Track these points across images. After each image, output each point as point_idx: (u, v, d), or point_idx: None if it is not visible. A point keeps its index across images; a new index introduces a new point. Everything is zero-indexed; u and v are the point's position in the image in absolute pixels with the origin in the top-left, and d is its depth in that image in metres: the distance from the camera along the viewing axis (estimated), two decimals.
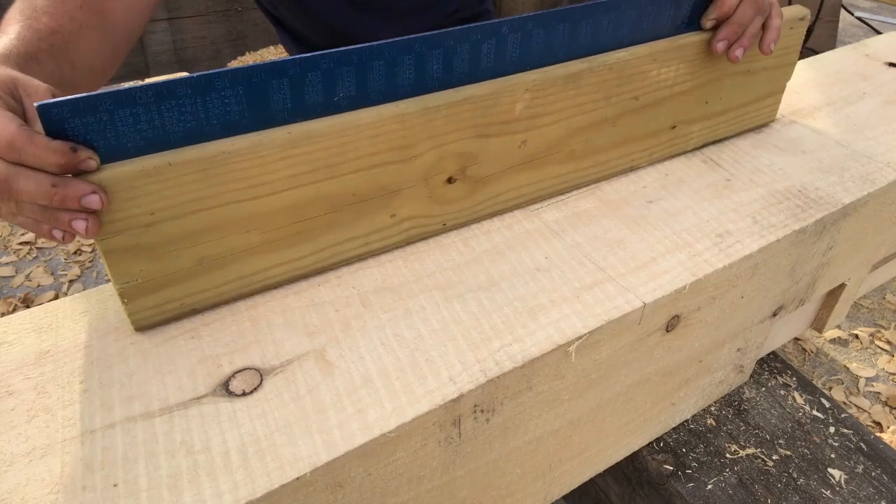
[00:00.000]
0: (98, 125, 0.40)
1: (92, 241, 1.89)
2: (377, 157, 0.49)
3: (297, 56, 0.44)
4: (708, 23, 0.61)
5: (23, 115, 0.42)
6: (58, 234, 0.42)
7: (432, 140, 0.51)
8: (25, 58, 0.49)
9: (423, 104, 0.49)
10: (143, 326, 0.47)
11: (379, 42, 0.46)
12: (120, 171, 0.41)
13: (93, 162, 0.40)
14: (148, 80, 0.43)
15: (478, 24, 0.49)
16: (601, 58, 0.57)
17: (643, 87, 0.61)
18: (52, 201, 0.39)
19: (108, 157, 0.41)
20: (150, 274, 0.45)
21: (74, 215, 0.40)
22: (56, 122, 0.39)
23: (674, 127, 0.66)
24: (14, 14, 0.53)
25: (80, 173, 0.40)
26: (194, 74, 0.41)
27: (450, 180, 0.54)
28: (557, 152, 0.59)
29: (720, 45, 0.61)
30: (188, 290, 0.47)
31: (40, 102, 0.38)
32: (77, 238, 0.42)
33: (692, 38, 0.61)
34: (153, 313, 0.47)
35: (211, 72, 0.41)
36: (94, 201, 0.40)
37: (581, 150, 0.60)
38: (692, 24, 0.62)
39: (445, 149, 0.52)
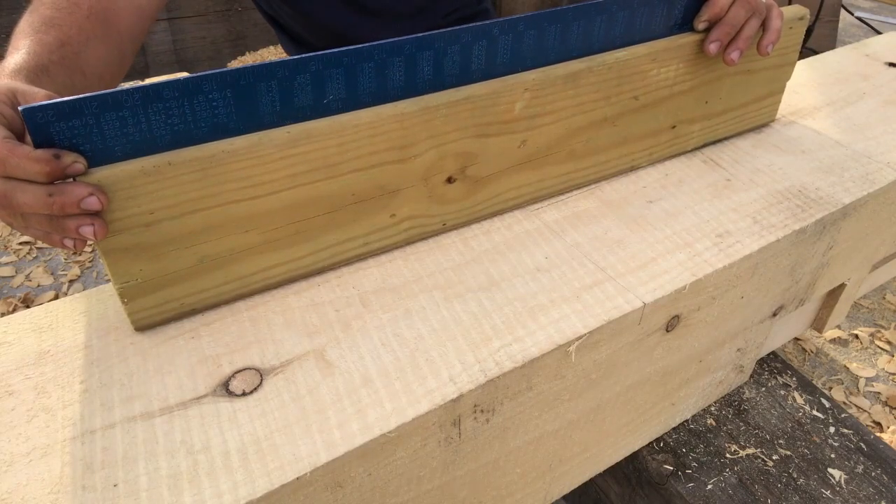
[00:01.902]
0: (84, 129, 0.39)
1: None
2: (376, 157, 0.49)
3: (286, 58, 0.44)
4: (700, 24, 0.61)
5: (22, 126, 0.42)
6: (69, 242, 0.42)
7: (432, 140, 0.51)
8: (36, 71, 0.49)
9: (422, 104, 0.49)
10: (143, 326, 0.47)
11: (369, 44, 0.46)
12: (119, 171, 0.41)
13: (79, 165, 0.39)
14: (140, 83, 0.43)
15: (468, 25, 0.49)
16: (600, 57, 0.57)
17: (643, 86, 0.61)
18: (53, 210, 0.39)
19: (95, 161, 0.41)
20: (149, 273, 0.45)
21: (80, 222, 0.40)
22: (41, 126, 0.38)
23: (674, 127, 0.66)
24: (24, 27, 0.53)
25: (69, 178, 0.40)
26: (181, 77, 0.41)
27: (449, 180, 0.54)
28: (557, 152, 0.59)
29: (713, 47, 0.61)
30: (188, 289, 0.47)
31: (24, 107, 0.37)
32: (89, 243, 0.42)
33: (691, 38, 0.61)
34: (153, 313, 0.47)
35: (198, 74, 0.41)
36: (92, 203, 0.39)
37: (581, 150, 0.60)
38: (685, 25, 0.62)
39: (445, 148, 0.52)
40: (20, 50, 0.50)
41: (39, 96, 0.43)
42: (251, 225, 0.47)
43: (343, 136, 0.47)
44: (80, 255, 1.83)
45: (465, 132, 0.52)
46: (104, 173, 0.40)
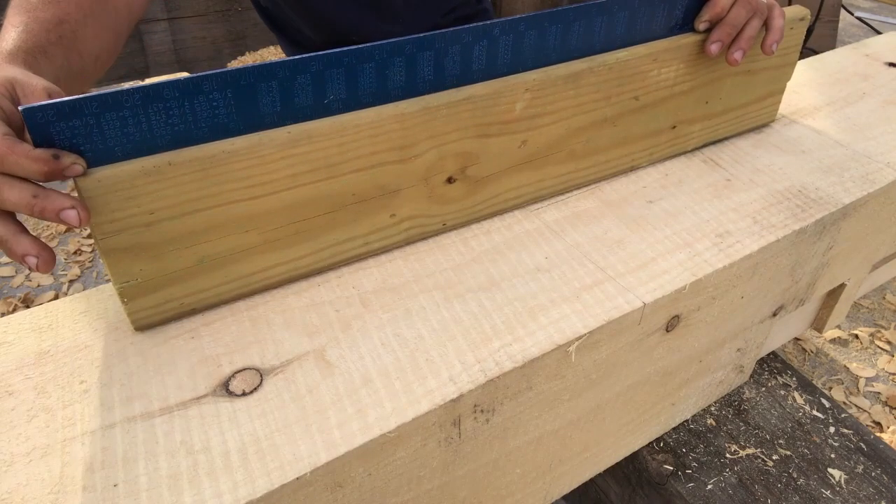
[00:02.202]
0: (84, 129, 0.39)
1: (92, 240, 1.89)
2: (377, 157, 0.49)
3: (286, 58, 0.44)
4: (701, 25, 0.61)
5: (21, 121, 0.42)
6: (29, 260, 0.41)
7: (432, 140, 0.51)
8: (34, 52, 0.49)
9: (422, 104, 0.49)
10: (142, 326, 0.47)
11: (369, 44, 0.46)
12: (120, 171, 0.41)
13: (78, 167, 0.39)
14: (141, 83, 0.43)
15: (469, 25, 0.49)
16: (601, 58, 0.57)
17: (643, 87, 0.61)
18: (33, 212, 0.39)
19: (95, 161, 0.41)
20: (149, 273, 0.45)
21: (26, 251, 0.40)
22: (41, 125, 0.38)
23: (674, 127, 0.66)
24: (19, 2, 0.52)
25: (67, 179, 0.40)
26: (182, 77, 0.41)
27: (450, 180, 0.54)
28: (557, 152, 0.59)
29: (714, 48, 0.61)
30: (188, 289, 0.47)
31: (24, 106, 0.37)
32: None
33: (692, 39, 0.61)
34: (153, 313, 0.47)
35: (198, 74, 0.41)
36: (71, 217, 0.39)
37: (581, 150, 0.60)
38: (686, 25, 0.62)
39: (445, 148, 0.52)
40: (17, 27, 0.49)
41: (39, 90, 0.43)
42: (251, 225, 0.47)
43: (344, 136, 0.47)
44: (79, 255, 1.83)
45: (465, 132, 0.52)
46: (104, 173, 0.40)
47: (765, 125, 0.76)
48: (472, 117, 0.52)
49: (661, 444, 0.68)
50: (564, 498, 0.70)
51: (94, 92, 0.39)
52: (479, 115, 0.52)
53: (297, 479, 0.38)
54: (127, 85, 0.41)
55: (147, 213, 0.43)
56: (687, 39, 0.61)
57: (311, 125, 0.46)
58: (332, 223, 0.50)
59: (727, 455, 0.67)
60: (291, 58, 0.44)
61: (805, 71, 0.90)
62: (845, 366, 1.52)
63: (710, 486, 0.64)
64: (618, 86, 0.59)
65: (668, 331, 0.55)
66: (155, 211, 0.43)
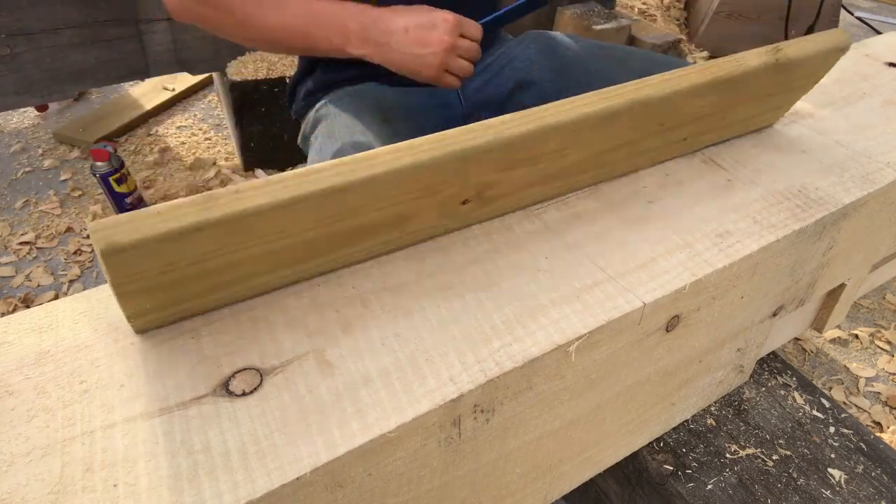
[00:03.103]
0: None
1: (92, 241, 1.89)
2: (402, 197, 0.48)
3: None
4: None
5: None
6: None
7: (459, 179, 0.50)
8: None
9: (458, 154, 0.47)
10: (143, 331, 0.47)
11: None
12: (147, 239, 0.38)
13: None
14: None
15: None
16: (642, 96, 0.54)
17: (672, 116, 0.59)
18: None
19: None
20: (159, 303, 0.44)
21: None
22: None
23: (685, 139, 0.65)
24: None
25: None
26: None
27: (464, 202, 0.53)
28: (573, 170, 0.58)
29: None
30: (194, 305, 0.46)
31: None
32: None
33: (730, 73, 0.59)
34: (155, 320, 0.46)
35: None
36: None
37: (592, 164, 0.60)
38: None
39: (469, 182, 0.51)
40: None
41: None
42: (268, 260, 0.46)
43: (375, 186, 0.45)
44: (79, 255, 1.83)
45: (491, 167, 0.51)
46: (132, 241, 0.38)
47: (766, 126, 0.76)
48: (503, 158, 0.50)
49: (661, 444, 0.68)
50: (564, 498, 0.70)
51: None
52: (510, 154, 0.51)
53: (297, 479, 0.38)
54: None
55: (166, 264, 0.41)
56: (726, 75, 0.58)
57: (347, 180, 0.43)
58: (345, 243, 0.49)
59: (727, 455, 0.67)
60: None
61: None
62: (845, 366, 1.52)
63: (710, 486, 0.64)
64: (646, 116, 0.57)
65: (668, 331, 0.55)
66: (174, 262, 0.41)
